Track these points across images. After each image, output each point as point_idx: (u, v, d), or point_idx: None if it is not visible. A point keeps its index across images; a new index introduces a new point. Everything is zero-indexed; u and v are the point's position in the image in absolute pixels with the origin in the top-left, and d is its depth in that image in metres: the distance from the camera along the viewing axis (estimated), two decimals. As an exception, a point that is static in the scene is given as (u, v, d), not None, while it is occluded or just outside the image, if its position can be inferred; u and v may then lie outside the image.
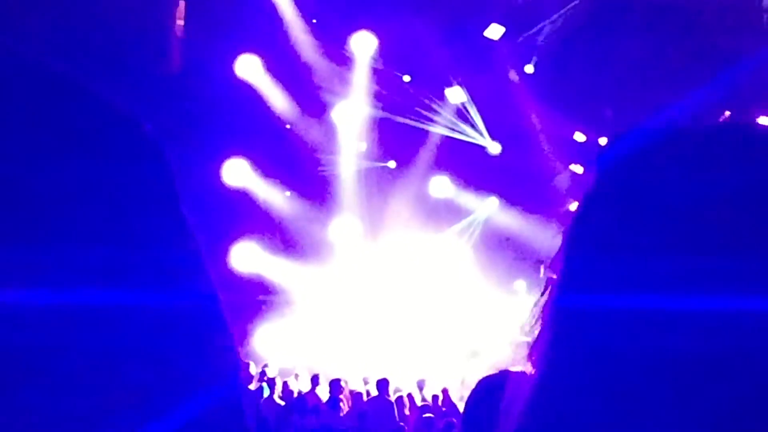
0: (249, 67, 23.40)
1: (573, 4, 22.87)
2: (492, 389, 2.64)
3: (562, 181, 24.61)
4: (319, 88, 23.88)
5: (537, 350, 0.97)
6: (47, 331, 0.78)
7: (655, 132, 0.95)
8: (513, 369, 2.88)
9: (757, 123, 0.94)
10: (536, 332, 0.98)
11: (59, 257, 0.79)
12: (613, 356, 0.87)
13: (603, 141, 24.24)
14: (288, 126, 24.21)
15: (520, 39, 23.67)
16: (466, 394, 2.74)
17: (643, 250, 0.89)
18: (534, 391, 0.95)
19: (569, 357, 0.91)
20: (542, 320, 0.97)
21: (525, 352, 0.99)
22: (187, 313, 0.86)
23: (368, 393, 16.57)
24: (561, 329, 0.93)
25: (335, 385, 15.96)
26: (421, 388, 17.37)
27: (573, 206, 1.02)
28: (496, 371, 2.74)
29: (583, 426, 0.90)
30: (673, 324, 0.85)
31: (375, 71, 24.04)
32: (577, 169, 24.64)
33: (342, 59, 23.79)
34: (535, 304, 1.00)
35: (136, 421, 0.80)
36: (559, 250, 0.99)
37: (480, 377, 2.80)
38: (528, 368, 0.97)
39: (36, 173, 0.80)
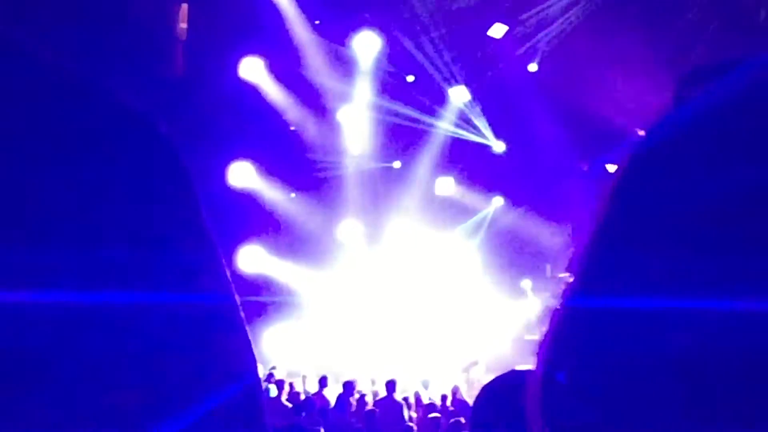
0: (253, 69, 23.42)
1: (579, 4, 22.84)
2: (501, 390, 2.63)
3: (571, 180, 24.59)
4: (323, 89, 23.89)
5: (545, 350, 0.95)
6: (54, 333, 0.77)
7: (681, 125, 0.92)
8: (520, 368, 2.87)
9: None
10: (544, 332, 0.96)
11: (75, 259, 0.78)
12: (628, 358, 0.86)
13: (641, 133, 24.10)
14: (292, 128, 24.23)
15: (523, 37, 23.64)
16: (473, 393, 2.73)
17: (666, 250, 0.87)
18: (545, 392, 0.94)
19: (582, 359, 0.90)
20: (554, 321, 0.96)
21: (533, 350, 0.98)
22: (206, 313, 0.86)
23: (376, 394, 16.57)
24: (578, 331, 0.92)
25: (348, 386, 15.96)
26: (426, 387, 17.37)
27: (591, 205, 0.99)
28: (504, 371, 2.73)
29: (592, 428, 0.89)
30: (694, 324, 0.84)
31: (379, 71, 24.05)
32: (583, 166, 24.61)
33: (346, 60, 23.80)
34: (552, 305, 0.98)
35: (143, 424, 0.79)
36: (579, 250, 0.97)
37: (487, 377, 2.80)
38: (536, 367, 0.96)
39: (49, 175, 0.80)
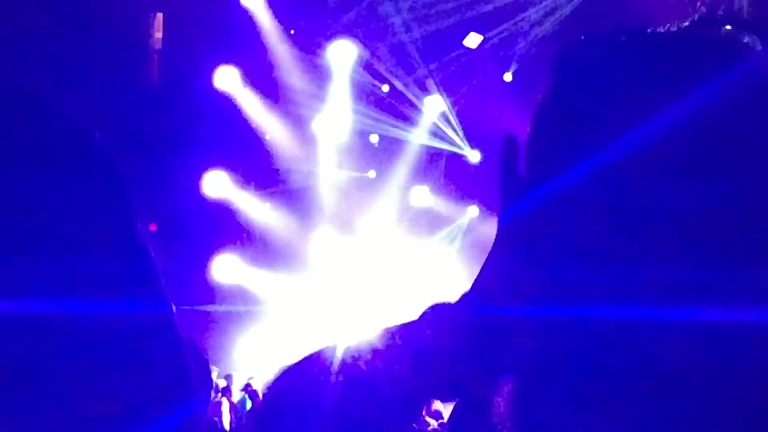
0: (228, 79, 23.36)
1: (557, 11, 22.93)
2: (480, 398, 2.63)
3: None
4: (299, 98, 23.87)
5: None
6: (22, 342, 0.77)
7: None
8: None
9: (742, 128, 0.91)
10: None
11: (7, 268, 0.78)
12: (568, 367, 0.86)
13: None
14: (267, 137, 24.19)
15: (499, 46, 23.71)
16: (448, 404, 2.73)
17: (603, 259, 0.87)
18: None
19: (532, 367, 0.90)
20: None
21: None
22: (128, 323, 0.85)
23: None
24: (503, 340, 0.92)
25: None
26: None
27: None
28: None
29: None
30: (638, 334, 0.83)
31: (354, 81, 24.05)
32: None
33: (321, 69, 23.80)
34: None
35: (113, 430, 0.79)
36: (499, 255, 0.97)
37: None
38: None
39: None
